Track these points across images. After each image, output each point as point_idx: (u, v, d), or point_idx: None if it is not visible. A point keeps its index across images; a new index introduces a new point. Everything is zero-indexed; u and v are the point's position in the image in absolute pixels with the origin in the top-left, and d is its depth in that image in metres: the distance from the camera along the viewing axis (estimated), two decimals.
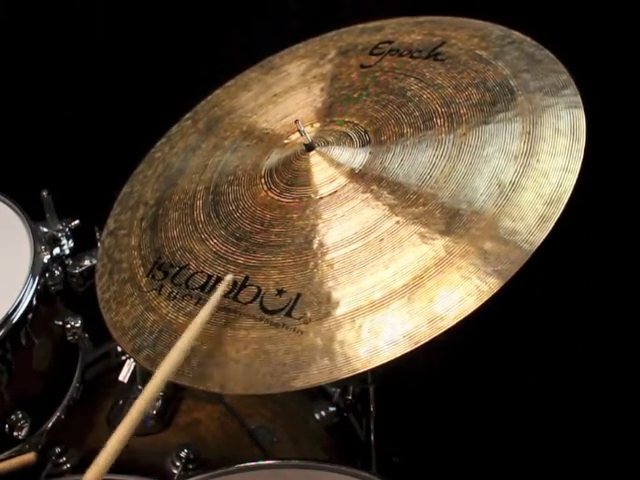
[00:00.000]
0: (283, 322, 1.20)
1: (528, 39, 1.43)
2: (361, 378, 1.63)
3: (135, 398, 1.67)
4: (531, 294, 1.92)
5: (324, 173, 1.35)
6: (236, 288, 1.27)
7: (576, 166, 1.23)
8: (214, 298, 1.24)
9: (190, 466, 1.57)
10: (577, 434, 2.05)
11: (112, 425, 1.68)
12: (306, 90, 1.55)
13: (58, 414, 1.60)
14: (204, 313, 1.22)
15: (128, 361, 1.66)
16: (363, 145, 1.36)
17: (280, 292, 1.24)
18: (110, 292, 1.40)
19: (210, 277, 1.30)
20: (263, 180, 1.39)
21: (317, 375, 1.15)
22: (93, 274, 1.49)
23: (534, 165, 1.24)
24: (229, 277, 1.28)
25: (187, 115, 1.65)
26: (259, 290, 1.25)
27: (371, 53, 1.54)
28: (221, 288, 1.26)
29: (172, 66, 2.54)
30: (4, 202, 1.65)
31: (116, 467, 1.36)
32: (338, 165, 1.35)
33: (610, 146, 1.91)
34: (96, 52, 2.54)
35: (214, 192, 1.43)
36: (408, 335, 1.14)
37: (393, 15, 1.61)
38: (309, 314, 1.20)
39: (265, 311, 1.22)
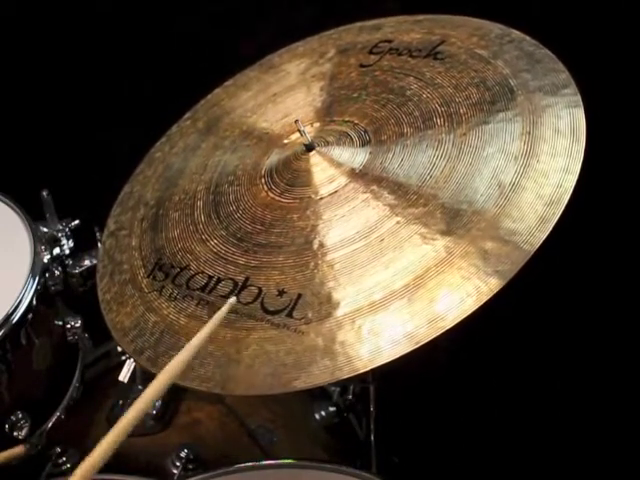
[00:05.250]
0: (284, 322, 1.20)
1: (527, 38, 1.43)
2: (361, 377, 1.63)
3: (135, 398, 1.69)
4: (531, 294, 1.92)
5: (324, 173, 1.35)
6: (237, 289, 1.27)
7: (576, 167, 1.23)
8: (216, 318, 1.22)
9: (190, 466, 1.58)
10: (577, 434, 2.05)
11: (112, 425, 1.68)
12: (305, 89, 1.55)
13: (58, 414, 1.60)
14: (205, 331, 1.19)
15: (128, 361, 1.66)
16: (363, 145, 1.36)
17: (281, 293, 1.24)
18: (111, 293, 1.40)
19: (211, 278, 1.30)
20: (263, 180, 1.39)
21: (318, 375, 1.15)
22: (93, 274, 1.49)
23: (534, 166, 1.24)
24: (232, 300, 1.27)
25: (187, 115, 1.64)
26: (260, 291, 1.25)
27: (370, 52, 1.53)
28: (224, 309, 1.24)
29: (172, 66, 2.54)
30: (4, 202, 1.64)
31: (116, 467, 1.36)
32: (338, 165, 1.35)
33: (610, 146, 1.91)
34: (96, 52, 2.54)
35: (214, 192, 1.43)
36: (408, 335, 1.14)
37: (392, 13, 1.61)
38: (310, 314, 1.20)
39: (266, 312, 1.23)
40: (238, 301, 1.25)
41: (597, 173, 1.46)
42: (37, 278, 1.51)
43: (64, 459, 1.63)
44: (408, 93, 1.41)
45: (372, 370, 1.15)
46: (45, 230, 1.62)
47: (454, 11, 1.54)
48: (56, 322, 1.62)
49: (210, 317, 1.22)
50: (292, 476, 1.45)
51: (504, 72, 1.38)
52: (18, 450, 1.49)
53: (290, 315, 1.21)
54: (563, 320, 2.17)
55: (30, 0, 2.53)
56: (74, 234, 1.66)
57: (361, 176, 1.32)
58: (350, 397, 1.76)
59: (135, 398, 1.68)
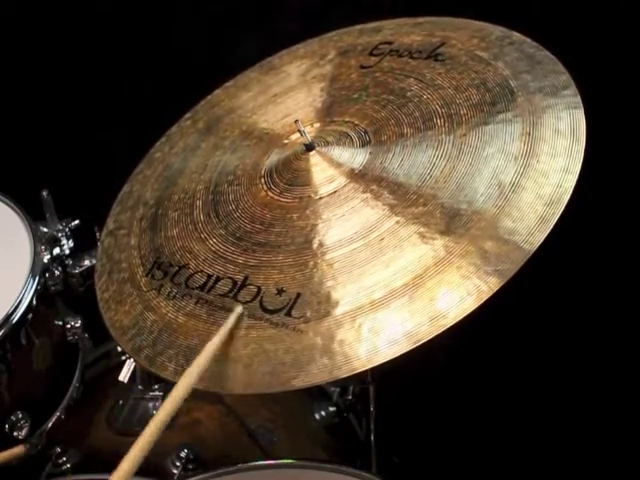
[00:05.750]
0: (283, 321, 1.20)
1: (528, 40, 1.43)
2: (361, 378, 1.63)
3: (135, 398, 1.69)
4: (531, 294, 1.91)
5: (324, 173, 1.34)
6: (236, 288, 1.27)
7: (576, 167, 1.22)
8: (224, 328, 1.22)
9: (190, 466, 1.58)
10: (577, 434, 2.04)
11: (112, 425, 1.69)
12: (306, 90, 1.55)
13: (58, 414, 1.60)
14: (215, 341, 1.20)
15: (128, 361, 1.66)
16: (363, 145, 1.36)
17: (280, 291, 1.23)
18: (109, 292, 1.40)
19: (210, 277, 1.30)
20: (263, 180, 1.39)
21: (317, 374, 1.14)
22: (93, 274, 1.49)
23: (534, 166, 1.24)
24: (239, 309, 1.26)
25: (187, 115, 1.65)
26: (259, 290, 1.25)
27: (371, 54, 1.53)
28: (232, 318, 1.24)
29: (172, 66, 2.54)
30: (4, 202, 1.65)
31: (116, 467, 1.36)
32: (338, 165, 1.35)
33: (610, 147, 1.91)
34: (96, 52, 2.54)
35: (214, 192, 1.43)
36: (408, 334, 1.13)
37: (392, 16, 1.61)
38: (309, 313, 1.20)
39: (265, 310, 1.22)
40: (237, 300, 1.25)
41: (597, 173, 1.46)
42: (37, 278, 1.52)
43: (64, 459, 1.63)
44: (408, 94, 1.41)
45: (372, 370, 1.15)
46: (45, 230, 1.63)
47: (455, 13, 1.54)
48: (56, 322, 1.62)
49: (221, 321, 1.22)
50: (292, 476, 1.45)
51: (504, 73, 1.38)
52: (18, 450, 1.49)
53: (289, 314, 1.20)
54: (563, 320, 2.17)
55: (30, 0, 2.54)
56: (74, 234, 1.66)
57: (361, 176, 1.32)
58: (350, 397, 1.76)
59: (135, 398, 1.70)
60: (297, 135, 1.40)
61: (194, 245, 1.36)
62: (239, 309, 1.24)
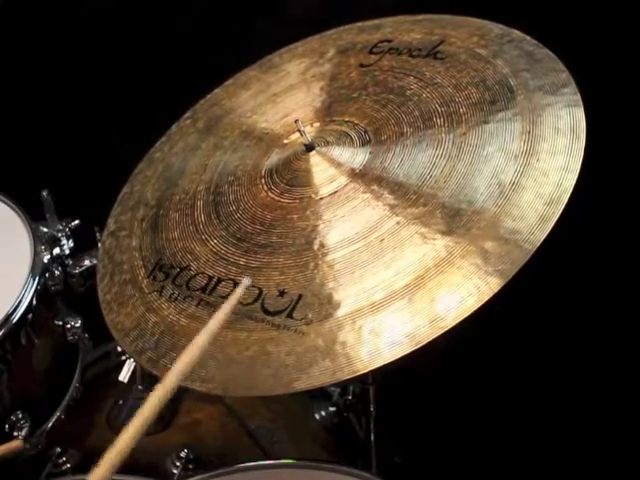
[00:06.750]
0: (284, 323, 1.20)
1: (527, 37, 1.43)
2: (361, 378, 1.63)
3: (135, 398, 1.69)
4: (531, 293, 1.91)
5: (324, 173, 1.34)
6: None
7: (576, 165, 1.22)
8: (230, 302, 1.19)
9: (190, 466, 1.58)
10: (577, 434, 2.04)
11: (112, 425, 1.69)
12: (305, 89, 1.54)
13: (58, 414, 1.60)
14: (219, 317, 1.16)
15: (128, 361, 1.67)
16: (363, 145, 1.36)
17: (281, 293, 1.23)
18: (111, 294, 1.40)
19: (211, 278, 1.30)
20: (263, 180, 1.39)
21: (319, 376, 1.14)
22: (93, 274, 1.49)
23: (534, 164, 1.24)
24: (247, 281, 1.25)
25: (186, 114, 1.64)
26: (260, 291, 1.25)
27: (370, 52, 1.53)
28: (238, 291, 1.22)
29: (172, 65, 2.54)
30: (4, 202, 1.65)
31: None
32: (338, 165, 1.34)
33: (610, 145, 1.91)
34: (96, 51, 2.54)
35: (214, 192, 1.43)
36: (409, 336, 1.13)
37: (392, 13, 1.60)
38: (310, 315, 1.20)
39: (266, 312, 1.22)
40: (239, 302, 1.25)
41: (597, 172, 1.46)
42: (37, 278, 1.52)
43: (64, 459, 1.63)
44: (408, 93, 1.41)
45: (372, 371, 1.15)
46: (45, 230, 1.63)
47: (454, 11, 1.54)
48: (56, 322, 1.62)
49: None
50: (292, 476, 1.45)
51: (504, 71, 1.38)
52: (16, 444, 1.48)
53: (290, 316, 1.20)
54: (564, 319, 2.17)
55: (32, 1, 2.54)
56: (74, 234, 1.66)
57: (361, 176, 1.32)
58: (350, 397, 1.76)
59: (135, 398, 1.70)
60: (297, 135, 1.40)
61: (195, 246, 1.36)
62: (246, 281, 1.24)
